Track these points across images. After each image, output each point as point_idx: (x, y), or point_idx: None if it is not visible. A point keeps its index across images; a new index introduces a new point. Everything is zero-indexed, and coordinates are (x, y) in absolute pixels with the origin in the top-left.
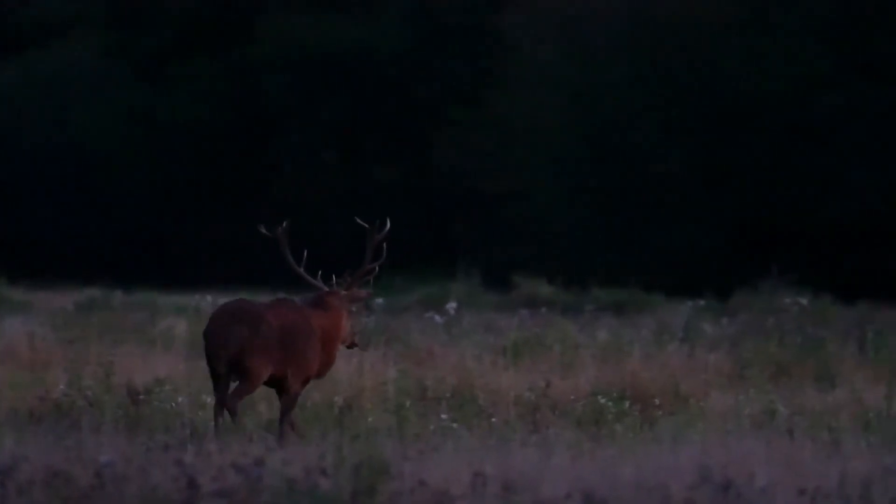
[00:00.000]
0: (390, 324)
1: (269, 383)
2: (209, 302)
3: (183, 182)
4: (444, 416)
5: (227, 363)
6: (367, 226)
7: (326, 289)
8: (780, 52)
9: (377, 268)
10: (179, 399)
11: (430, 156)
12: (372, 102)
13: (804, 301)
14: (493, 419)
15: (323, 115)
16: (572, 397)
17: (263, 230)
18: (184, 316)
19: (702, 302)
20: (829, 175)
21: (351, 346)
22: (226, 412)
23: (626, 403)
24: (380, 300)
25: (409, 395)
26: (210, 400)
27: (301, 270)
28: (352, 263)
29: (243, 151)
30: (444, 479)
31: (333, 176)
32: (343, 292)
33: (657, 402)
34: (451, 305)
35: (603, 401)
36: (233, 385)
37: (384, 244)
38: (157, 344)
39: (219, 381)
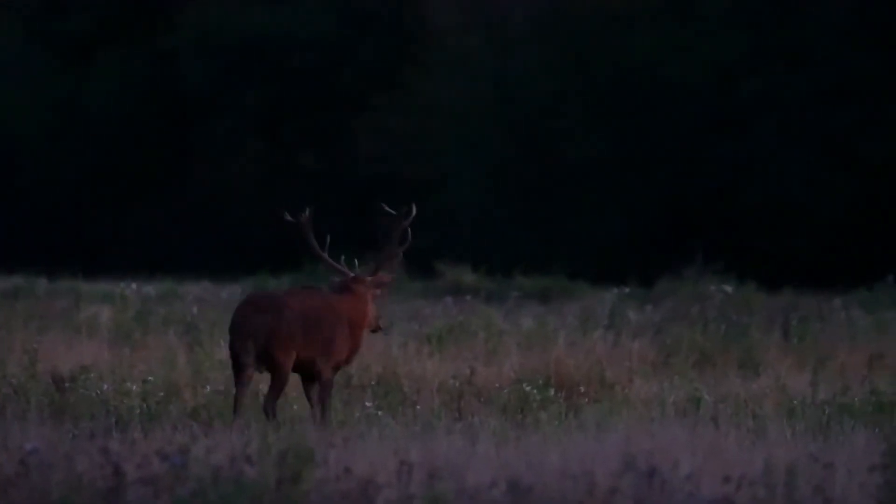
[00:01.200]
0: None
1: (297, 370)
2: (133, 290)
3: (106, 169)
4: (368, 404)
5: (255, 354)
6: (393, 212)
7: (351, 274)
8: (700, 39)
9: (402, 253)
10: (104, 386)
11: (353, 142)
12: (294, 89)
13: (728, 288)
14: (418, 407)
15: (245, 101)
16: (497, 385)
17: (288, 216)
18: (108, 303)
19: (626, 289)
20: (752, 162)
21: (376, 330)
22: (238, 405)
23: (551, 391)
24: None
25: (334, 383)
26: (136, 388)
27: (325, 255)
28: (275, 248)
29: (166, 138)
30: (369, 466)
31: (256, 162)
32: (368, 278)
33: (582, 389)
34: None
35: (527, 388)
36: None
37: (409, 230)
38: (82, 331)
39: (242, 374)
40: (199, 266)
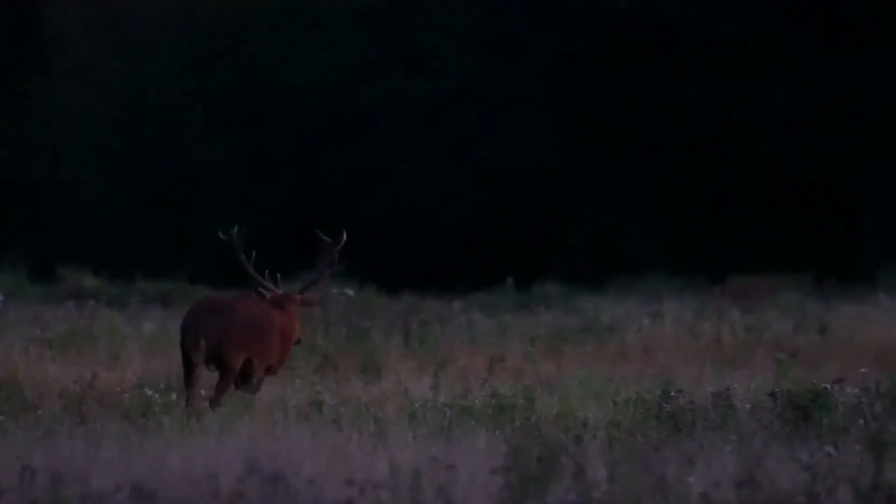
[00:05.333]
0: None
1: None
2: None
3: None
4: None
5: (206, 354)
6: (327, 239)
7: (274, 289)
8: (323, 43)
9: (329, 275)
10: None
11: None
12: None
13: (350, 292)
14: (40, 412)
15: None
16: (119, 389)
17: (221, 235)
18: None
19: None
20: (372, 166)
21: (297, 342)
22: (190, 402)
23: (173, 395)
24: None
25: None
26: None
27: (253, 271)
28: None
29: None
30: None
31: None
32: (297, 296)
33: (203, 393)
34: None
35: (150, 392)
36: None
37: (338, 254)
38: None
39: (192, 373)
40: None
